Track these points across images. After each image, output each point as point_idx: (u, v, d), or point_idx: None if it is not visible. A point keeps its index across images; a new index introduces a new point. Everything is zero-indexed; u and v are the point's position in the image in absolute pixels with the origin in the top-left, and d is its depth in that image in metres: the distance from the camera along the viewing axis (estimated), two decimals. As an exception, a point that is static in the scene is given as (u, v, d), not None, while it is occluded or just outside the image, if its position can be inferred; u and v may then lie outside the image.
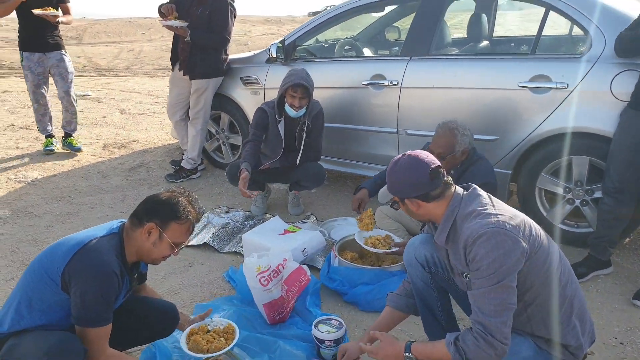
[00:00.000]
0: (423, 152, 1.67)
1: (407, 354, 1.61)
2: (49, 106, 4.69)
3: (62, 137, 4.88)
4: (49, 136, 4.84)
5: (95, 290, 1.58)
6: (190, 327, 1.97)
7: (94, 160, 4.79)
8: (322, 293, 2.57)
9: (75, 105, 4.72)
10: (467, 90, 3.12)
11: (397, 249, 2.58)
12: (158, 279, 2.77)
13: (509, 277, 1.45)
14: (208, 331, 1.98)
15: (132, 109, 7.07)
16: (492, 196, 1.64)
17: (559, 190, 2.97)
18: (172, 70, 4.13)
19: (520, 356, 1.57)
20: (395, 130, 3.42)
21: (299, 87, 3.15)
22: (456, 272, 1.67)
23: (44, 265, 1.65)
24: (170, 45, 4.09)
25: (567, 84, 2.79)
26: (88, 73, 11.50)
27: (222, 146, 4.46)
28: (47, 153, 4.79)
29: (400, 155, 1.68)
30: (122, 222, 1.78)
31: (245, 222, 3.42)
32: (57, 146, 4.86)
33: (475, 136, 3.05)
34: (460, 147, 2.53)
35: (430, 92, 3.24)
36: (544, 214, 3.06)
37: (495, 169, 3.07)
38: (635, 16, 2.52)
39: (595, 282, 2.70)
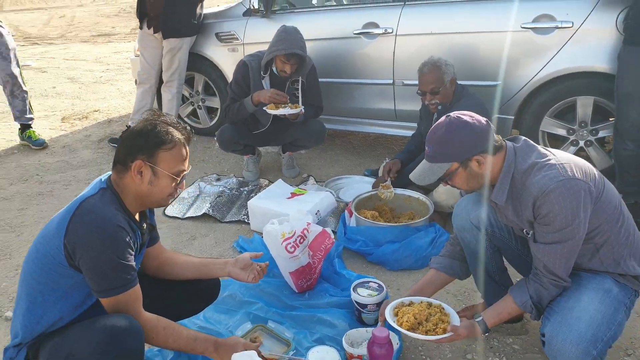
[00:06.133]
0: (462, 112, 1.55)
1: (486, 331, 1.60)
2: None
3: (19, 129, 4.03)
4: None
5: (106, 251, 1.35)
6: None
7: (54, 133, 4.37)
8: (343, 256, 2.45)
9: (25, 88, 3.87)
10: (467, 35, 3.00)
11: None
12: (161, 256, 2.55)
13: (579, 231, 1.43)
14: None
15: (82, 77, 6.51)
16: (541, 145, 1.57)
17: (563, 133, 2.96)
18: (141, 28, 3.74)
19: (613, 295, 1.52)
20: (390, 81, 3.27)
21: (293, 57, 2.88)
22: (514, 229, 1.61)
23: (42, 251, 1.42)
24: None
25: (572, 23, 2.72)
26: (18, 42, 10.51)
27: (198, 110, 4.16)
28: None
29: (442, 120, 1.53)
30: (102, 178, 1.51)
31: (241, 189, 3.22)
32: None
33: (477, 82, 3.01)
34: (448, 77, 2.60)
35: (428, 39, 3.10)
36: (548, 157, 3.05)
37: (497, 115, 3.04)
38: None
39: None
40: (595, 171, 1.53)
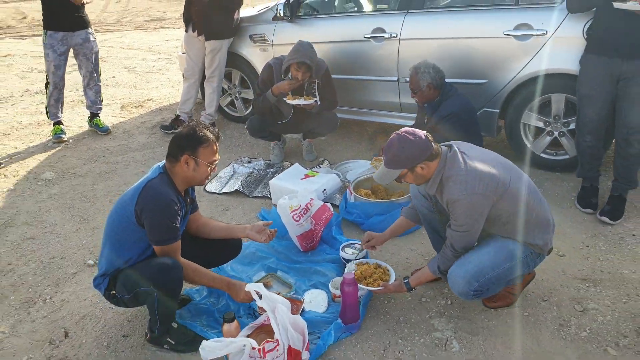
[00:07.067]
0: (404, 129, 2.10)
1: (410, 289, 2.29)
2: (64, 90, 4.53)
3: (88, 117, 4.81)
4: (58, 123, 4.60)
5: (162, 216, 2.04)
6: None
7: (115, 120, 5.17)
8: (342, 225, 3.08)
9: (100, 83, 4.62)
10: (459, 40, 3.48)
11: None
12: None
13: (476, 226, 2.05)
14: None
15: (138, 67, 7.32)
16: (466, 154, 2.06)
17: (540, 124, 3.41)
18: (187, 31, 4.41)
19: (509, 248, 2.13)
20: (396, 78, 3.80)
21: (303, 65, 3.47)
22: None
23: (119, 213, 2.12)
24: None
25: (546, 31, 3.15)
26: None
27: (235, 101, 4.83)
28: (57, 141, 4.51)
29: (393, 137, 2.06)
30: (159, 165, 2.19)
31: (267, 170, 3.88)
32: (66, 136, 4.60)
33: (467, 80, 3.50)
34: (423, 83, 3.06)
35: (427, 42, 3.59)
36: (528, 145, 3.52)
37: (485, 108, 3.53)
38: None
39: (571, 201, 3.20)
40: (502, 178, 2.01)
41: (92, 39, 4.41)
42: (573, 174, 3.36)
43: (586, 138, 2.99)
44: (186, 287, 2.53)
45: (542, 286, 2.50)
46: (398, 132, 2.09)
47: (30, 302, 2.56)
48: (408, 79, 3.61)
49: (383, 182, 2.15)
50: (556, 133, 3.38)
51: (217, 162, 2.20)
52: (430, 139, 2.07)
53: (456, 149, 2.09)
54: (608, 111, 2.89)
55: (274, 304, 2.04)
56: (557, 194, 3.31)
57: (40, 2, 4.19)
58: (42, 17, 4.27)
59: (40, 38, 4.35)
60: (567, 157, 3.43)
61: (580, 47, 3.01)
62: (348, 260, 2.57)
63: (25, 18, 13.56)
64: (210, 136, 2.15)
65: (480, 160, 2.06)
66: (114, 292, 2.15)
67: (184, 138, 2.12)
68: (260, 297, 2.07)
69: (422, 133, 2.07)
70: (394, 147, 2.05)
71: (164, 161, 2.20)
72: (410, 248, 2.85)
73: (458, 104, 3.10)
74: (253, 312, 2.38)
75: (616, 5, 2.58)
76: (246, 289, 2.11)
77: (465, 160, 2.05)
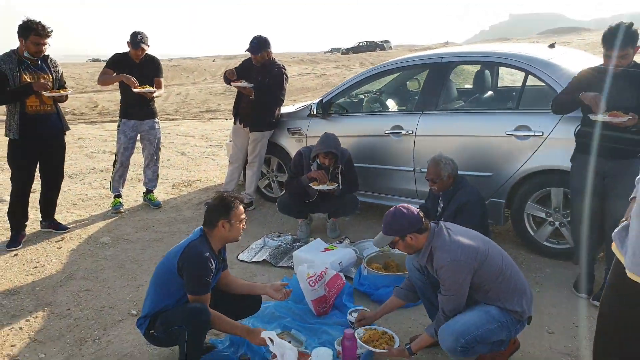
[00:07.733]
0: (402, 204, 2.52)
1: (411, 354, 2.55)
2: (128, 169, 5.22)
3: (144, 192, 5.47)
4: (118, 196, 5.27)
5: (199, 271, 2.48)
6: None
7: (167, 197, 5.84)
8: (355, 295, 3.41)
9: (158, 165, 5.27)
10: (467, 137, 3.97)
11: None
12: (231, 286, 3.67)
13: (461, 290, 2.37)
14: None
15: (190, 152, 8.20)
16: (451, 230, 2.45)
17: (542, 215, 3.74)
18: (235, 123, 5.16)
19: (491, 314, 2.41)
20: (412, 169, 4.28)
21: (330, 154, 4.08)
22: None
23: (164, 266, 2.60)
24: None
25: (543, 132, 3.61)
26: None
27: (272, 183, 5.43)
28: (115, 212, 5.15)
29: (391, 209, 2.49)
30: (201, 228, 2.67)
31: (294, 244, 4.32)
32: (123, 208, 5.24)
33: (474, 173, 3.92)
34: (445, 173, 3.42)
35: (439, 138, 4.10)
36: (532, 234, 3.82)
37: (491, 199, 3.91)
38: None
39: (569, 286, 3.42)
40: (481, 249, 2.38)
41: (157, 127, 5.19)
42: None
43: (580, 228, 3.29)
44: (211, 337, 2.90)
45: (528, 357, 2.71)
46: (396, 205, 2.52)
47: (82, 341, 3.00)
48: (424, 170, 4.11)
49: (379, 246, 2.55)
50: (557, 223, 3.69)
51: (245, 219, 2.69)
52: (421, 215, 2.48)
53: (442, 225, 2.49)
54: (598, 204, 3.21)
55: (283, 350, 2.40)
56: (556, 279, 3.55)
57: (108, 92, 5.12)
58: (119, 108, 5.13)
59: (108, 124, 5.25)
60: (567, 246, 3.70)
61: (572, 147, 3.41)
62: (353, 323, 2.89)
63: (96, 107, 15.36)
64: (236, 201, 2.67)
65: (463, 235, 2.44)
66: (152, 331, 2.57)
67: (216, 207, 2.64)
68: (272, 342, 2.43)
69: (415, 210, 2.49)
70: (389, 217, 2.48)
71: (199, 227, 2.70)
72: (412, 318, 3.14)
73: (471, 193, 3.47)
74: (267, 362, 2.71)
75: (592, 117, 3.03)
76: (261, 335, 2.48)
77: (449, 234, 2.44)
